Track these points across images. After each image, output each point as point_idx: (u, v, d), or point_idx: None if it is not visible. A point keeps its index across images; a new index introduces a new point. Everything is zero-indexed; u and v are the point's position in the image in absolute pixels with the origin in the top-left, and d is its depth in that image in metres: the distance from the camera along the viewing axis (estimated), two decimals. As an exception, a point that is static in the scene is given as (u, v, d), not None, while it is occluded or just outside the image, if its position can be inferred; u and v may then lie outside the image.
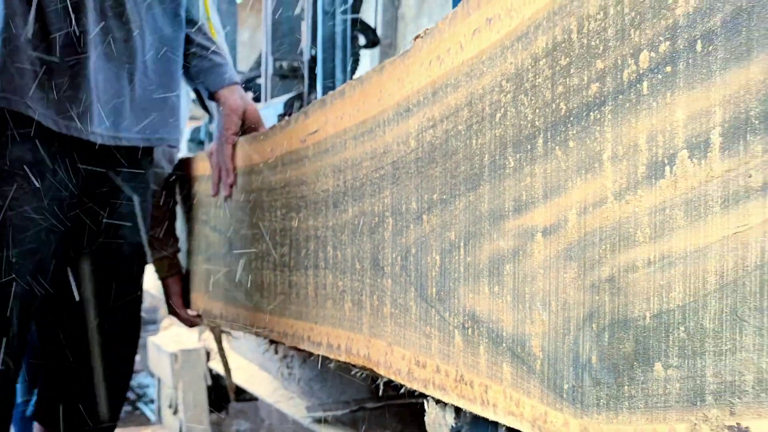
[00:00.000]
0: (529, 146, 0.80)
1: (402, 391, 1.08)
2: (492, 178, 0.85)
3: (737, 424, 0.58)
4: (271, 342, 2.33)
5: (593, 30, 0.72)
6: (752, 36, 0.58)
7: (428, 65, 0.96)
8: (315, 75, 2.43)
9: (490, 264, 0.85)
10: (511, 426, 0.82)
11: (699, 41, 0.62)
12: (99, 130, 1.58)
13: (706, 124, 0.61)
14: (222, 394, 3.10)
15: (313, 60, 2.47)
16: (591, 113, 0.72)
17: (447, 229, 0.93)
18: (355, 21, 2.48)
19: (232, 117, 1.79)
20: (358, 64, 2.49)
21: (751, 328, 0.57)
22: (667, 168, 0.64)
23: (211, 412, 3.06)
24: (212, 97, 1.85)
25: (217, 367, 2.90)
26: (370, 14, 2.57)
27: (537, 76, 0.79)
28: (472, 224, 0.89)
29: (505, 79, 0.83)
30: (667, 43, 0.64)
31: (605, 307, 0.70)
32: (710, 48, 0.61)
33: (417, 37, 0.99)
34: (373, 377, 1.19)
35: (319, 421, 2.24)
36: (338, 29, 2.39)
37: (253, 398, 2.88)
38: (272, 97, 2.80)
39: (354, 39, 2.47)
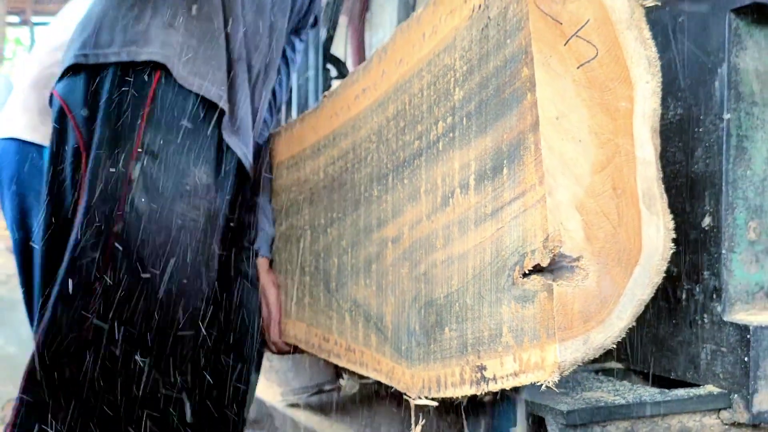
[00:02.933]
0: (384, 181, 1.13)
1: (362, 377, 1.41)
2: (366, 203, 1.19)
3: (481, 364, 0.91)
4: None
5: (416, 104, 1.05)
6: (489, 118, 0.91)
7: (329, 118, 1.30)
8: (290, 102, 2.77)
9: (365, 264, 1.19)
10: (375, 378, 1.15)
11: (465, 118, 0.95)
12: None
13: (467, 172, 0.94)
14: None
15: (289, 90, 2.81)
16: (415, 160, 1.05)
17: (342, 239, 1.27)
18: (327, 55, 2.82)
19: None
20: (329, 93, 2.83)
21: (486, 302, 0.91)
22: (451, 199, 0.97)
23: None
24: None
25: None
26: (340, 48, 2.91)
27: (389, 132, 1.12)
28: (355, 235, 1.22)
29: (373, 133, 1.17)
30: (450, 117, 0.98)
31: (422, 292, 1.04)
32: (470, 123, 0.94)
33: (324, 95, 1.33)
34: (335, 365, 1.50)
35: (291, 405, 2.58)
36: (311, 63, 2.73)
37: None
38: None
39: (326, 71, 2.81)
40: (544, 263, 0.75)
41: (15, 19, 14.24)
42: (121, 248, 1.29)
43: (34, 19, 12.97)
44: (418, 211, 1.04)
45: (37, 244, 1.60)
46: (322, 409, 2.50)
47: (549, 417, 0.96)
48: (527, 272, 0.80)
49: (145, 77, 1.34)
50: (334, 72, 2.84)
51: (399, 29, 1.11)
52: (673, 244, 0.85)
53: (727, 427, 1.05)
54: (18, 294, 3.96)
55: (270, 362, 2.85)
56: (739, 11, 1.04)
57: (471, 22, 0.91)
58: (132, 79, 1.34)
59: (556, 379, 0.78)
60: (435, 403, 1.00)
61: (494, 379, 0.87)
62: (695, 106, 1.09)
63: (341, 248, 1.27)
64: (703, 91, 1.08)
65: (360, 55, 4.00)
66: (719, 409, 1.04)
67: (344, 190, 1.26)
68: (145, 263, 1.31)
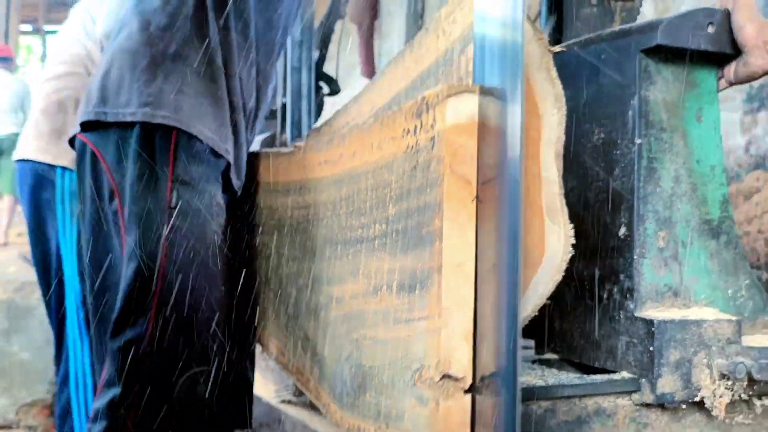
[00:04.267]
0: (335, 248, 1.33)
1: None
2: (320, 258, 1.39)
3: None
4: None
5: (363, 198, 1.23)
6: (410, 243, 1.07)
7: (300, 168, 1.52)
8: (285, 119, 2.97)
9: (315, 308, 1.39)
10: (315, 404, 1.35)
11: (394, 233, 1.10)
12: None
13: (392, 276, 1.06)
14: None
15: (284, 107, 3.00)
16: (358, 244, 1.23)
17: (299, 277, 1.48)
18: (319, 73, 3.01)
19: None
20: (321, 110, 3.02)
21: (396, 388, 1.08)
22: (379, 292, 1.12)
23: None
24: None
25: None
26: (332, 66, 3.10)
27: (341, 209, 1.31)
28: (309, 279, 1.42)
29: (329, 202, 1.36)
30: (384, 225, 1.13)
31: (354, 354, 1.21)
32: (398, 239, 1.08)
33: (296, 146, 1.54)
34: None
35: (284, 401, 2.76)
36: (304, 81, 2.92)
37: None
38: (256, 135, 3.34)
39: (318, 89, 3.00)
40: (435, 380, 0.94)
41: (28, 27, 14.53)
42: (171, 270, 1.54)
43: (46, 27, 13.23)
44: (357, 288, 1.21)
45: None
46: (311, 404, 2.68)
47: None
48: (428, 378, 0.97)
49: (165, 134, 1.57)
50: (326, 89, 3.03)
51: (357, 128, 1.30)
52: (571, 249, 1.03)
53: (637, 407, 1.22)
54: (32, 301, 4.15)
55: (267, 362, 3.02)
56: (648, 51, 1.22)
57: (405, 157, 1.07)
58: (154, 136, 1.57)
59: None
60: None
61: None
62: (614, 131, 1.27)
63: (298, 284, 1.48)
64: (620, 119, 1.26)
65: (369, 63, 4.19)
66: (630, 392, 1.21)
67: (305, 236, 1.47)
68: (192, 280, 1.56)
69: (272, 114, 3.33)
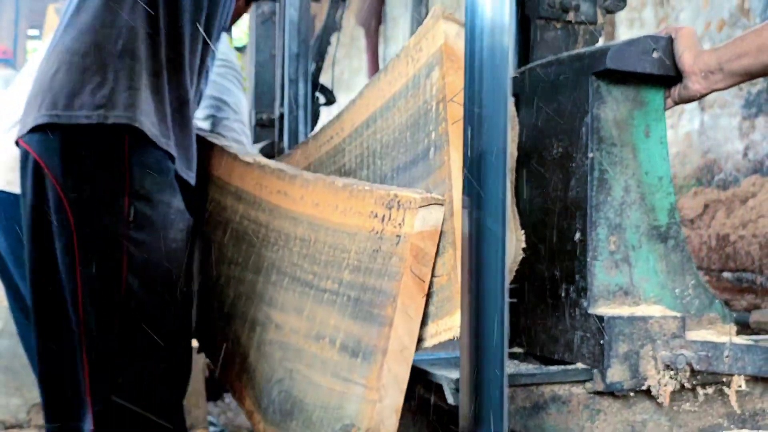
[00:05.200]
0: (282, 279, 1.51)
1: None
2: (265, 278, 1.57)
3: None
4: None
5: (318, 249, 1.41)
6: (360, 314, 1.22)
7: (255, 184, 1.72)
8: (283, 128, 3.10)
9: (251, 321, 1.58)
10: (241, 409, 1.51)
11: (346, 297, 1.26)
12: None
13: (337, 334, 1.26)
14: (217, 386, 3.78)
15: (281, 116, 3.14)
16: (306, 288, 1.42)
17: (240, 284, 1.65)
18: (315, 84, 3.15)
19: None
20: (318, 119, 3.16)
21: None
22: (321, 340, 1.29)
23: (207, 400, 3.72)
24: None
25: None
26: (328, 77, 3.24)
27: (294, 247, 1.50)
28: (251, 292, 1.59)
29: (284, 233, 1.52)
30: (337, 285, 1.30)
31: (286, 382, 1.40)
32: (348, 304, 1.26)
33: (251, 163, 1.70)
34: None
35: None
36: (300, 92, 3.05)
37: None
38: (255, 142, 3.48)
39: (314, 99, 3.14)
40: None
41: (35, 32, 14.70)
42: (135, 277, 1.64)
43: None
44: (300, 325, 1.35)
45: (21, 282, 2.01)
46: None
47: (444, 383, 1.27)
48: None
49: (118, 136, 1.62)
50: (322, 99, 3.17)
51: (324, 181, 1.42)
52: (522, 252, 1.16)
53: (590, 395, 1.35)
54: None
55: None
56: (599, 74, 1.36)
57: (369, 236, 1.20)
58: (107, 138, 1.60)
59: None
60: None
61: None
62: (570, 146, 1.41)
63: (238, 291, 1.63)
64: (575, 134, 1.39)
65: (375, 67, 4.32)
66: (584, 381, 1.35)
67: (252, 250, 1.61)
68: (155, 284, 1.66)
69: (270, 123, 3.48)
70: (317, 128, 2.98)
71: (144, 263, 1.62)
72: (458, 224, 1.07)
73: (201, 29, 1.72)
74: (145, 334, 1.62)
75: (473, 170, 1.02)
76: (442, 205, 1.08)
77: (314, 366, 1.27)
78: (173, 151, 1.71)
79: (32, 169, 1.66)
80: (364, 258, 1.20)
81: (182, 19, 1.70)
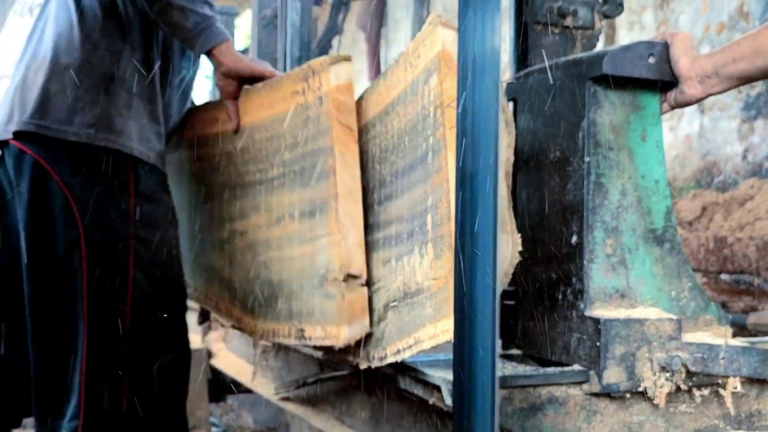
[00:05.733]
0: (233, 191, 1.65)
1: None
2: (218, 200, 1.73)
3: (302, 328, 1.35)
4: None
5: (258, 148, 1.64)
6: (307, 180, 1.30)
7: (211, 122, 1.80)
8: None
9: (218, 244, 1.73)
10: (229, 324, 1.73)
11: (292, 173, 1.45)
12: None
13: (294, 208, 1.48)
14: (219, 388, 3.79)
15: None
16: (257, 186, 1.60)
17: (200, 219, 1.84)
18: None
19: None
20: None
21: (305, 291, 1.25)
22: (282, 221, 1.46)
23: (210, 401, 3.73)
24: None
25: (218, 364, 3.57)
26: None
27: (237, 159, 1.67)
28: (210, 221, 1.79)
29: (224, 154, 1.70)
30: (282, 168, 1.48)
31: (262, 274, 1.53)
32: (295, 178, 1.45)
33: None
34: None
35: (284, 399, 2.90)
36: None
37: (248, 390, 3.55)
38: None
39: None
40: (340, 279, 1.25)
41: None
42: (142, 275, 1.68)
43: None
44: (260, 220, 1.52)
45: None
46: (308, 400, 2.82)
47: (442, 385, 1.28)
48: (333, 279, 1.29)
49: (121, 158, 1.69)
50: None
51: (248, 91, 1.60)
52: (518, 255, 1.18)
53: (587, 396, 1.37)
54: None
55: (266, 362, 3.17)
56: (595, 79, 1.37)
57: (296, 112, 1.40)
58: (111, 156, 1.66)
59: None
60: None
61: (309, 338, 1.38)
62: (567, 150, 1.42)
63: (201, 226, 1.79)
64: (572, 139, 1.41)
65: (376, 69, 4.35)
66: (581, 383, 1.36)
67: (208, 188, 1.78)
68: (160, 281, 1.70)
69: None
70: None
71: (150, 261, 1.68)
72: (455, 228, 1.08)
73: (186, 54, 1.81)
74: (152, 331, 1.67)
75: (465, 181, 1.03)
76: (349, 60, 1.33)
77: (282, 245, 1.44)
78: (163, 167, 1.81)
79: (31, 169, 1.70)
80: (297, 132, 1.39)
81: (175, 47, 1.78)
